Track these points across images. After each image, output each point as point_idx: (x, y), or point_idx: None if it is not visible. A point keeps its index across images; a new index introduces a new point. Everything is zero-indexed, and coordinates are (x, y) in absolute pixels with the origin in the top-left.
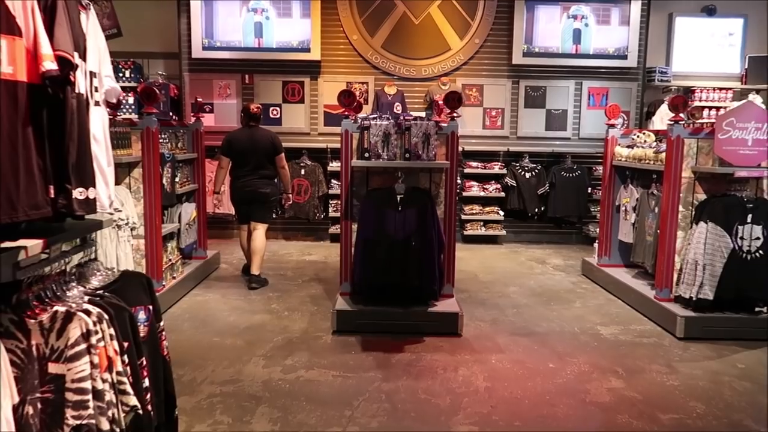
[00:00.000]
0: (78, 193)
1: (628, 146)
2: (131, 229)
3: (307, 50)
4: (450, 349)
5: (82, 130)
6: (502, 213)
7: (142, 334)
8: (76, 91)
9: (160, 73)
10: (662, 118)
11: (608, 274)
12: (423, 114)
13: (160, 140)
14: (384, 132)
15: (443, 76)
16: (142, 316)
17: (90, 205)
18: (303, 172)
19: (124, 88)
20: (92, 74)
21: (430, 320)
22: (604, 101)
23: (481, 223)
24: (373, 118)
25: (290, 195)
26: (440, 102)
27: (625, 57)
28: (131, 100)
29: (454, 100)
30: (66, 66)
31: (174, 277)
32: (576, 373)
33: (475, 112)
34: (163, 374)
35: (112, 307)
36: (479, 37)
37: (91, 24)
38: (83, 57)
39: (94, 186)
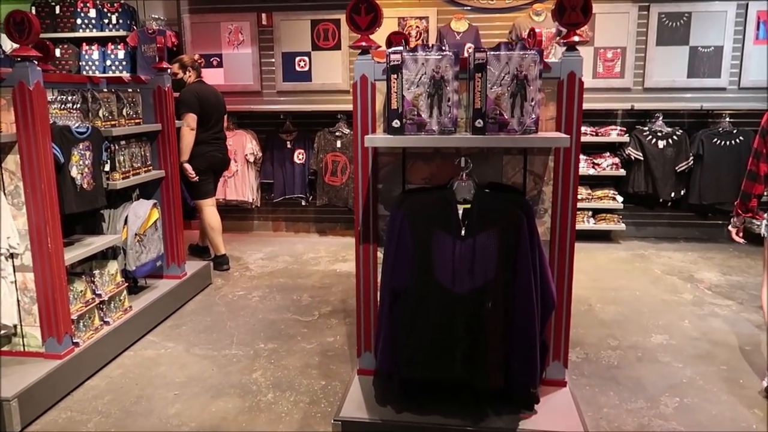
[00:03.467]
0: None
1: None
2: (10, 258)
3: None
4: None
5: None
6: (620, 198)
7: None
8: None
9: (154, 17)
10: None
11: None
12: None
13: (75, 106)
14: (432, 77)
15: (536, 2)
16: None
17: None
18: (339, 144)
19: (110, 38)
20: None
21: None
22: None
23: (589, 213)
24: (411, 51)
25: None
26: (538, 30)
27: None
28: (121, 54)
29: (576, 8)
30: None
31: (107, 322)
32: None
33: (584, 54)
34: None
35: None
36: None
37: None
38: None
39: None
